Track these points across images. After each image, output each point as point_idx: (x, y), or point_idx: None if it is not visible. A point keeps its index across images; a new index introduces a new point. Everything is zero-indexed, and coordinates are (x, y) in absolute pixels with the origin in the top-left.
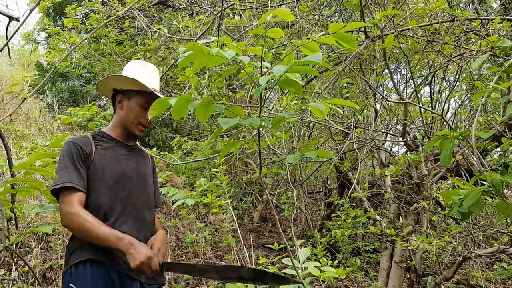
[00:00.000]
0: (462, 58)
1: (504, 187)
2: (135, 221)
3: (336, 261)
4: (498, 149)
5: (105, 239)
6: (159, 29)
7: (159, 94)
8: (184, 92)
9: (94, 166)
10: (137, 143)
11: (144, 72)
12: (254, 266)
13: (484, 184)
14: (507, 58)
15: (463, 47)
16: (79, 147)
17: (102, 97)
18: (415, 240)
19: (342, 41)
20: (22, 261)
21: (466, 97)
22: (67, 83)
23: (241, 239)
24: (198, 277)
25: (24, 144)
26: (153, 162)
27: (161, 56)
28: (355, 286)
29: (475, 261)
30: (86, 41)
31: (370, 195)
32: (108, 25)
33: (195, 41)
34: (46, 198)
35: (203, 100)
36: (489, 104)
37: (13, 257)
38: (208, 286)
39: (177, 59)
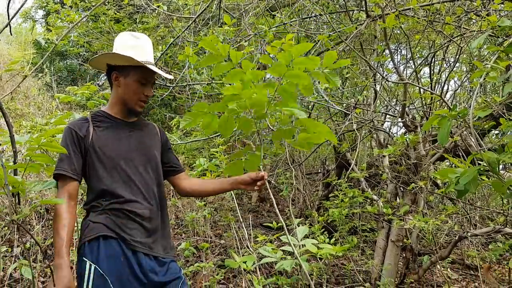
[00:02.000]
0: (463, 38)
1: (501, 166)
2: (144, 199)
3: (333, 239)
4: (497, 131)
5: (55, 246)
6: (158, 6)
7: (155, 69)
8: (184, 72)
9: (93, 148)
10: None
11: (137, 46)
12: (252, 244)
13: (480, 164)
14: (507, 38)
15: (463, 28)
16: (74, 131)
17: (101, 76)
18: (412, 220)
19: None
20: (29, 234)
21: (466, 78)
22: (65, 61)
23: (240, 218)
24: (198, 254)
25: (24, 122)
26: (161, 132)
27: (160, 34)
28: (351, 264)
29: (470, 241)
30: (85, 19)
31: (368, 176)
32: (107, 3)
33: (195, 19)
34: (48, 176)
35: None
36: (489, 86)
37: (17, 232)
38: (208, 262)
39: (176, 37)
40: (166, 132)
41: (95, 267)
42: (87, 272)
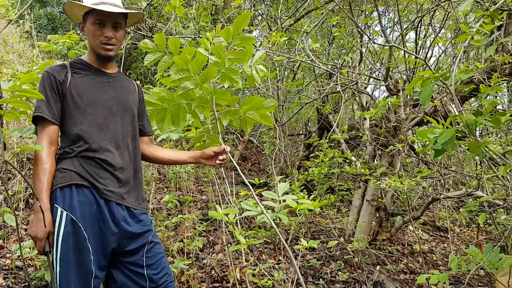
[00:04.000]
0: (450, 3)
1: (477, 132)
2: (117, 149)
3: (312, 197)
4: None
5: (35, 190)
6: None
7: (101, 7)
8: (169, 25)
9: (70, 94)
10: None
11: None
12: (235, 199)
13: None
14: (493, 3)
15: None
16: (52, 76)
17: None
18: (387, 180)
19: None
20: (20, 174)
21: (450, 45)
22: (45, 9)
23: (223, 174)
24: (180, 208)
25: (4, 70)
26: (139, 90)
27: None
28: (327, 221)
29: (442, 204)
30: None
31: (348, 138)
32: None
33: None
34: (30, 125)
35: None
36: (472, 53)
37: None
38: (190, 213)
39: None
40: (151, 86)
41: (66, 213)
42: (58, 219)
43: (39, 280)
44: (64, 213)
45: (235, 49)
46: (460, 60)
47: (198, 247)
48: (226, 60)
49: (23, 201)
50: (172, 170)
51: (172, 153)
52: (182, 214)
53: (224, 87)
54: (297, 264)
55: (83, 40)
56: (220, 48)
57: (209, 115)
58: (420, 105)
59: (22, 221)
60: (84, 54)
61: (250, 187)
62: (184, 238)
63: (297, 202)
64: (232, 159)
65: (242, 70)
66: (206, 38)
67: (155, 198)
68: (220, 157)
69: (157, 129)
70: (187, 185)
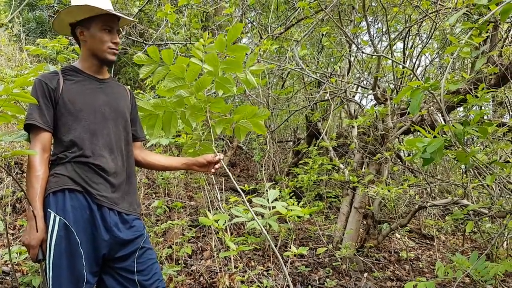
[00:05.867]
0: (438, 14)
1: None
2: (110, 153)
3: (301, 204)
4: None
5: (28, 197)
6: None
7: (117, 13)
8: (160, 30)
9: (62, 101)
10: (111, 75)
11: None
12: (224, 205)
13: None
14: (481, 16)
15: (439, 4)
16: (44, 83)
17: None
18: (375, 188)
19: None
20: (11, 177)
21: (437, 55)
22: (34, 12)
23: (213, 180)
24: (168, 214)
25: None
26: (131, 95)
27: None
28: (316, 228)
29: (428, 212)
30: None
31: (336, 145)
32: None
33: None
34: (19, 130)
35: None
36: (458, 63)
37: None
38: (179, 219)
39: None
40: (141, 92)
41: (60, 218)
42: (51, 223)
43: (27, 285)
44: (57, 218)
45: (226, 57)
46: (449, 69)
47: (187, 253)
48: (220, 69)
49: (11, 205)
50: (162, 176)
51: (164, 159)
52: (171, 220)
53: (217, 93)
54: (286, 271)
55: (72, 44)
56: (214, 57)
57: (201, 122)
58: (407, 114)
59: (9, 226)
60: (73, 58)
61: (242, 193)
62: (173, 244)
63: (287, 209)
64: (224, 165)
65: (236, 76)
66: (197, 48)
67: (144, 204)
68: (216, 166)
69: (147, 134)
70: (176, 190)
